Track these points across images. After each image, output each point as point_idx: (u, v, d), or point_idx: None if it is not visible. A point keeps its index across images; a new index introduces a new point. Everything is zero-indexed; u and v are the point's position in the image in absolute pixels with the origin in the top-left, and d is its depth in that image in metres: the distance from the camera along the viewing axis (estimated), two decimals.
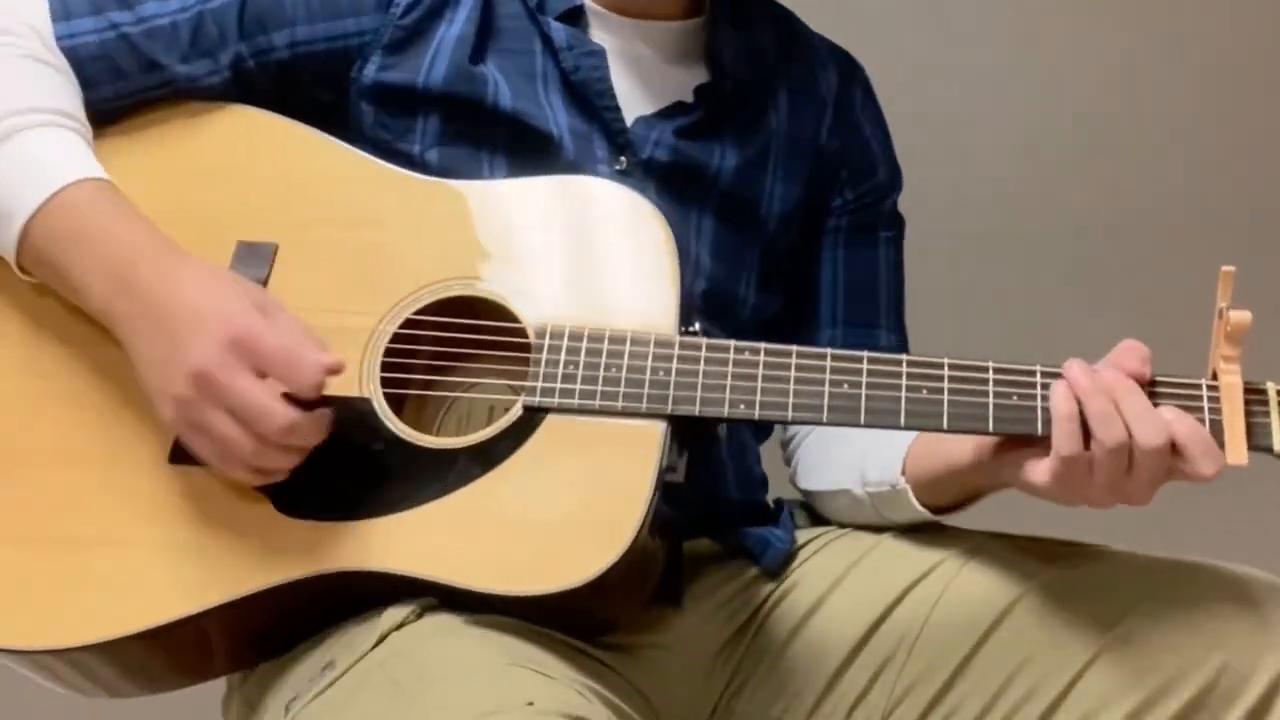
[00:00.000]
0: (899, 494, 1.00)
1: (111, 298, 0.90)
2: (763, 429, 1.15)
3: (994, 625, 0.96)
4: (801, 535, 1.09)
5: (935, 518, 1.01)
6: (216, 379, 0.85)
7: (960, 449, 0.95)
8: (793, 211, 1.11)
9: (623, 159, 1.04)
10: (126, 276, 0.90)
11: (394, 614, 0.88)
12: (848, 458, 1.07)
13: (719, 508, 1.07)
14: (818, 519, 1.13)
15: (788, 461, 1.18)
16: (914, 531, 1.04)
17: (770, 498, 1.14)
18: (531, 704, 0.78)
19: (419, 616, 0.88)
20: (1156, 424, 0.84)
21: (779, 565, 1.05)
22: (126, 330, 0.90)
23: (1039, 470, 0.88)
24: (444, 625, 0.88)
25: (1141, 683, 0.91)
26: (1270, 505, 1.59)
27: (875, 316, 1.15)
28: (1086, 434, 0.85)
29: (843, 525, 1.09)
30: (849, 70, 1.18)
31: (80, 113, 0.99)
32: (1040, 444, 0.89)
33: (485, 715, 0.76)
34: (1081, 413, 0.85)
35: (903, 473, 1.00)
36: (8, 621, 0.89)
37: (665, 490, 0.89)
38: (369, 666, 0.86)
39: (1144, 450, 0.84)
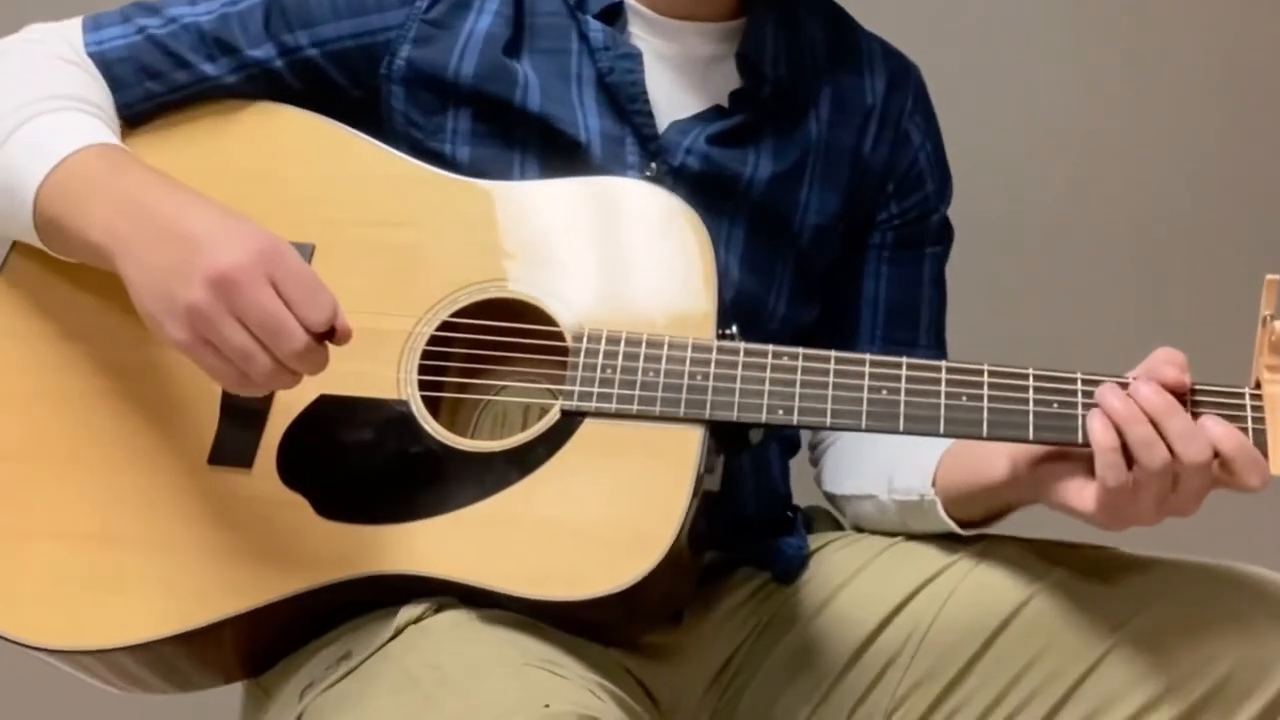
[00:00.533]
0: (927, 505, 1.00)
1: (114, 218, 0.86)
2: (789, 444, 1.14)
3: (1002, 625, 0.96)
4: (815, 540, 1.08)
5: (961, 531, 0.99)
6: (241, 284, 0.80)
7: (996, 465, 0.94)
8: (830, 224, 1.09)
9: (653, 165, 1.03)
10: (137, 199, 0.86)
11: (410, 609, 0.89)
12: (876, 463, 1.06)
13: (735, 525, 1.06)
14: (839, 526, 1.12)
15: (814, 463, 1.17)
16: (927, 535, 1.03)
17: (791, 515, 1.13)
18: (548, 706, 0.78)
19: (436, 611, 0.89)
20: (1199, 440, 0.84)
21: (792, 574, 1.05)
22: (129, 246, 0.85)
23: (1084, 498, 0.87)
24: (460, 621, 0.88)
25: (1149, 681, 0.91)
26: (1272, 506, 1.57)
27: (915, 335, 1.12)
28: (1129, 457, 0.85)
29: (863, 532, 1.09)
30: (900, 75, 1.12)
31: (106, 104, 0.99)
32: (1080, 461, 0.88)
33: (501, 718, 0.76)
34: (1122, 438, 0.85)
35: (933, 484, 0.99)
36: (46, 620, 0.90)
37: (702, 504, 0.88)
38: (385, 660, 0.86)
39: (1189, 468, 0.84)
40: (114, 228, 0.86)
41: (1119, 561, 0.98)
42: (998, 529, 1.01)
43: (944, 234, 1.15)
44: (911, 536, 1.04)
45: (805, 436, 1.18)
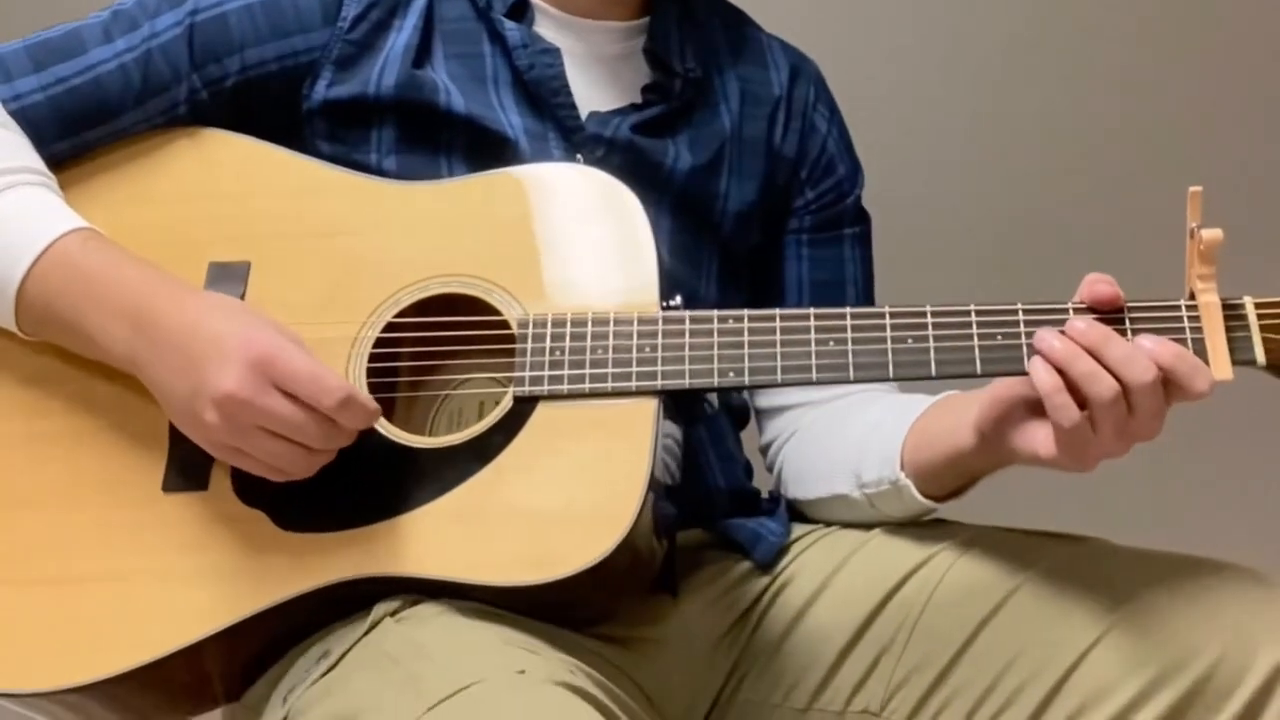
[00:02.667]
0: (900, 490, 0.99)
1: (132, 342, 0.89)
2: (739, 414, 1.15)
3: (991, 613, 0.95)
4: (795, 529, 1.08)
5: (936, 505, 0.99)
6: (243, 399, 0.84)
7: (963, 435, 0.93)
8: (749, 212, 1.10)
9: (578, 157, 1.03)
10: (143, 317, 0.89)
11: (386, 604, 0.88)
12: (838, 461, 1.05)
13: (707, 497, 1.06)
14: (806, 520, 1.12)
15: (770, 468, 1.16)
16: (911, 523, 1.03)
17: (759, 489, 1.14)
18: (523, 672, 0.78)
19: (413, 604, 0.89)
20: (1142, 361, 0.84)
21: (770, 558, 1.05)
22: (151, 370, 0.89)
23: (1047, 445, 0.87)
24: (438, 611, 0.88)
25: (1140, 671, 0.90)
26: (1268, 504, 1.60)
27: None
28: (1078, 395, 0.84)
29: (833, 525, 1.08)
30: (799, 67, 1.15)
31: (39, 163, 0.97)
32: (1040, 411, 0.87)
33: (475, 682, 0.77)
34: (1066, 377, 0.84)
35: (901, 468, 0.99)
36: (18, 665, 0.88)
37: (665, 489, 0.88)
38: (364, 649, 0.86)
39: (1137, 389, 0.83)
40: (134, 350, 0.89)
41: (1103, 551, 0.98)
42: (981, 519, 1.01)
43: (860, 216, 1.17)
44: (888, 526, 1.04)
45: (755, 437, 1.17)
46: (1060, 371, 0.85)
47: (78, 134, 1.00)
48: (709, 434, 1.08)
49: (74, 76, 0.99)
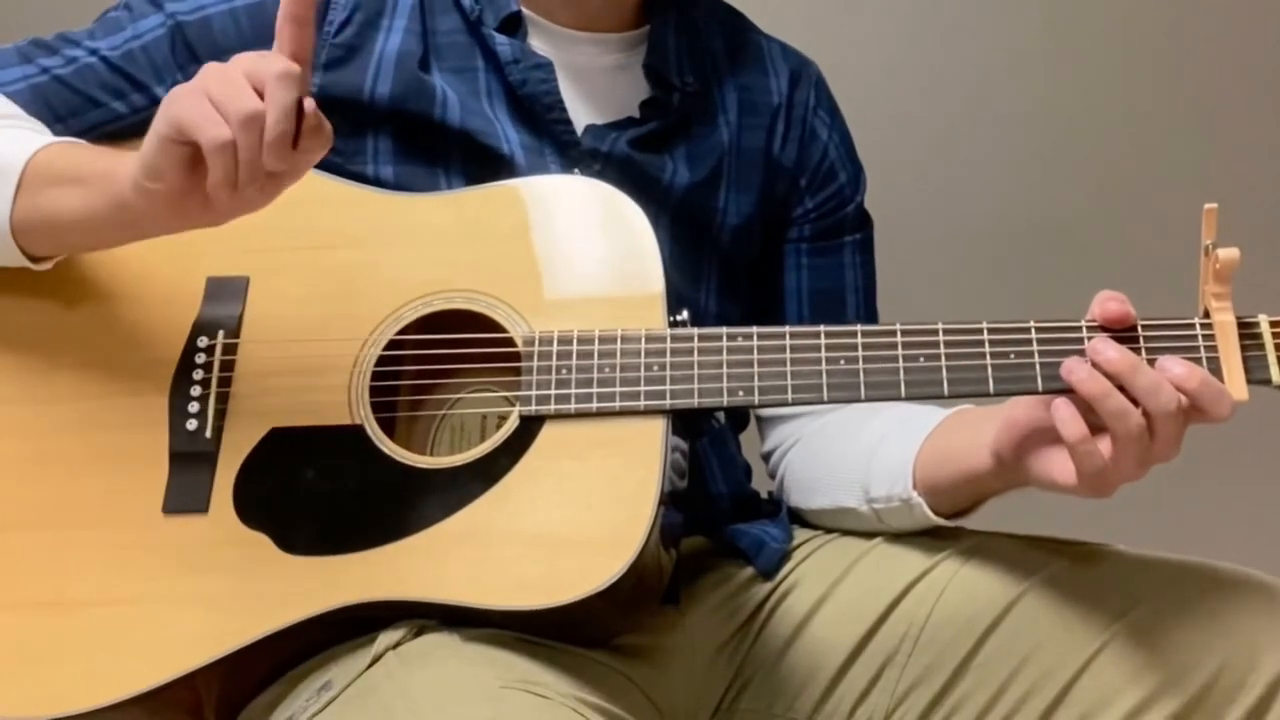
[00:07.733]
0: (913, 508, 0.98)
1: (111, 163, 0.86)
2: (739, 418, 1.14)
3: (996, 622, 0.95)
4: (796, 534, 1.07)
5: (947, 523, 0.99)
6: (183, 85, 0.81)
7: (979, 457, 0.93)
8: (748, 225, 1.09)
9: (576, 171, 1.02)
10: (112, 170, 0.86)
11: (390, 634, 0.87)
12: (844, 474, 1.04)
13: (709, 503, 1.06)
14: (807, 524, 1.11)
15: (772, 475, 1.15)
16: (914, 531, 1.02)
17: (759, 490, 1.13)
18: None
19: (416, 634, 0.87)
20: (1166, 390, 0.82)
21: (774, 567, 1.04)
22: (128, 191, 0.84)
23: (1063, 473, 0.86)
24: (439, 644, 0.86)
25: (1143, 679, 0.90)
26: (1272, 508, 1.60)
27: (843, 322, 1.12)
28: (1101, 424, 0.83)
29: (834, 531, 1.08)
30: (799, 72, 1.14)
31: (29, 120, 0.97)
32: (1058, 438, 0.86)
33: None
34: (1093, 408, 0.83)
35: (914, 486, 0.98)
36: (13, 692, 0.87)
37: (671, 498, 0.87)
38: (364, 689, 0.85)
39: (1161, 418, 0.83)
40: (114, 193, 0.85)
41: (1108, 558, 0.97)
42: (984, 522, 1.00)
43: (862, 222, 1.15)
44: (892, 534, 1.03)
45: (756, 443, 1.16)
46: (1089, 400, 0.83)
47: (58, 123, 1.00)
48: (712, 441, 1.07)
49: (58, 68, 1.00)
